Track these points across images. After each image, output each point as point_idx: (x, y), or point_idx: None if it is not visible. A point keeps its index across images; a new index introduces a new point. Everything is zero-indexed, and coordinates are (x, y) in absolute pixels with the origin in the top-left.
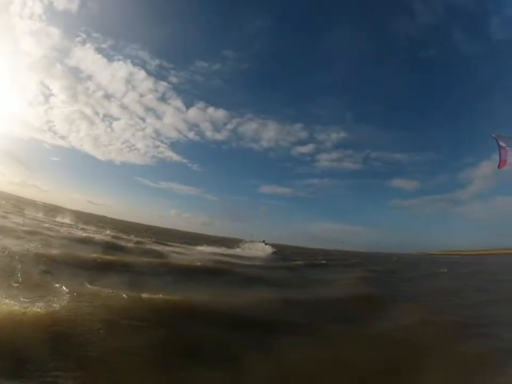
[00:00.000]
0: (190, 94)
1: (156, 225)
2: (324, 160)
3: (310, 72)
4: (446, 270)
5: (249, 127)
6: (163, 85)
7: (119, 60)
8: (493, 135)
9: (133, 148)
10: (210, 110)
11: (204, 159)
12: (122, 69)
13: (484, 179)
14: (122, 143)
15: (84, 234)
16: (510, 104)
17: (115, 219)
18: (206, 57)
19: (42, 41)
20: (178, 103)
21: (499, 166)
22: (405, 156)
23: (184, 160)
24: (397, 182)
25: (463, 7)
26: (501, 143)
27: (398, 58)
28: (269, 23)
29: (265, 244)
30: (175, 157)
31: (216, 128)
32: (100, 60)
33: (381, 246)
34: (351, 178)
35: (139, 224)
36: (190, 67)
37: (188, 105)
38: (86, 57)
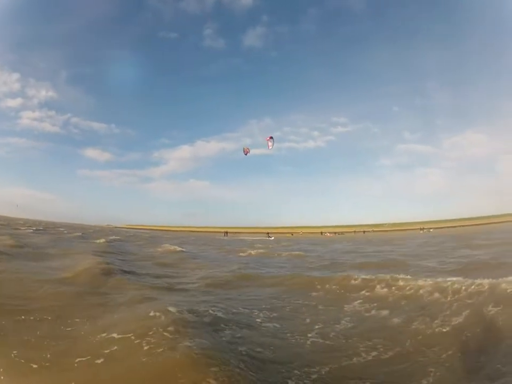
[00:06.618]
0: None
1: None
2: (27, 118)
3: (36, 18)
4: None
5: None
6: None
7: None
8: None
9: None
10: None
11: None
12: None
13: (181, 161)
14: None
15: None
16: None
17: None
18: None
19: None
20: None
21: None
22: (104, 126)
23: None
24: (90, 152)
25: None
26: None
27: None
28: None
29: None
30: None
31: None
32: None
33: (71, 216)
34: (47, 141)
35: None
36: None
37: None
38: None
